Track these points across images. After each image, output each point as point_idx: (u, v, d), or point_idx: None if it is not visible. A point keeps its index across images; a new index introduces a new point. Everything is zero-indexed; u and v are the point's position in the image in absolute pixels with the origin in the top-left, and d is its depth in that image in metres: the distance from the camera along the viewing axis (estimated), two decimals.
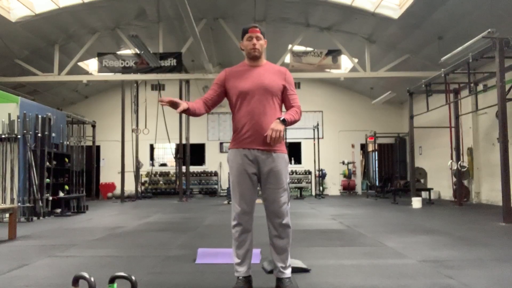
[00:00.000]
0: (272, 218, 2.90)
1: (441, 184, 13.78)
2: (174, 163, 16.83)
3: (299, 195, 15.21)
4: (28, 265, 3.89)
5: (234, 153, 2.92)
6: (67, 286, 2.96)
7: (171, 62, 12.46)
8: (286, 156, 2.96)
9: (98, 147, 16.93)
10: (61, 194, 9.50)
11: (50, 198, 8.88)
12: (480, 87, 10.51)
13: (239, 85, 2.91)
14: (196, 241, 5.16)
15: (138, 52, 11.52)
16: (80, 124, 13.50)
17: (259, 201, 2.93)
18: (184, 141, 14.98)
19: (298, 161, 17.94)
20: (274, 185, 2.87)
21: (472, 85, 9.16)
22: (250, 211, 2.90)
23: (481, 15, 9.06)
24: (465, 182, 12.07)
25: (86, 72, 14.92)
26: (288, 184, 2.95)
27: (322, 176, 16.68)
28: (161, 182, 17.71)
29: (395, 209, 10.00)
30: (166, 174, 17.80)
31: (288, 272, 2.91)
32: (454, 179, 11.55)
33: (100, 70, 12.75)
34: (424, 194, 12.87)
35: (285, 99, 2.99)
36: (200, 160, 17.95)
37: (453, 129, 11.17)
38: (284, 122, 2.80)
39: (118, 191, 15.76)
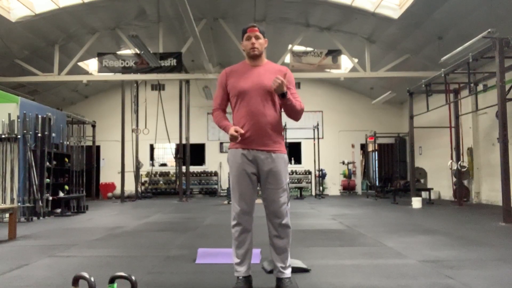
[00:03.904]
0: (271, 218, 2.90)
1: (441, 184, 13.78)
2: (174, 163, 16.83)
3: (299, 195, 15.20)
4: (28, 265, 3.89)
5: (233, 153, 2.92)
6: (67, 286, 2.96)
7: (171, 62, 12.47)
8: (286, 156, 2.96)
9: (98, 147, 16.94)
10: (61, 194, 9.50)
11: (50, 198, 8.87)
12: (480, 87, 10.51)
13: (239, 84, 2.90)
14: (196, 241, 5.16)
15: (138, 52, 11.52)
16: (80, 124, 13.50)
17: (259, 201, 2.93)
18: (184, 141, 14.98)
19: (298, 161, 17.94)
20: (273, 185, 2.87)
21: (472, 85, 9.16)
22: (250, 211, 2.91)
23: (481, 15, 9.06)
24: (465, 182, 12.07)
25: (86, 72, 14.92)
26: (288, 184, 2.95)
27: (322, 176, 16.68)
28: (161, 182, 17.71)
29: (395, 209, 10.00)
30: (166, 174, 17.80)
31: (288, 272, 2.91)
32: (454, 179, 11.55)
33: (100, 70, 12.75)
34: (424, 194, 12.87)
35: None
36: (200, 160, 17.96)
37: (453, 129, 11.17)
38: (285, 95, 2.79)
39: (118, 191, 15.76)
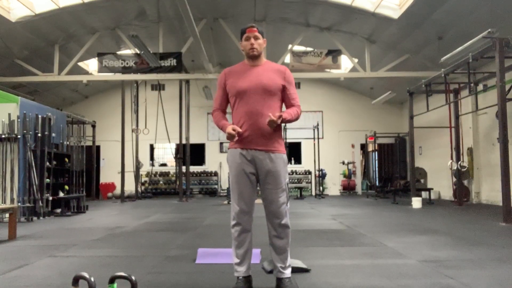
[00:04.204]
0: (271, 218, 2.90)
1: (441, 184, 13.78)
2: (174, 163, 16.83)
3: (299, 195, 15.20)
4: (28, 265, 3.89)
5: (232, 153, 2.93)
6: (67, 286, 2.96)
7: (171, 62, 12.47)
8: (285, 156, 2.96)
9: (98, 147, 16.94)
10: (61, 194, 9.50)
11: (50, 198, 8.88)
12: (480, 87, 10.51)
13: (238, 84, 2.91)
14: (196, 241, 5.16)
15: (138, 52, 11.52)
16: (80, 124, 13.51)
17: (259, 201, 2.93)
18: (184, 141, 14.98)
19: (298, 161, 17.94)
20: (272, 185, 2.87)
21: (472, 85, 9.16)
22: (249, 210, 2.91)
23: (481, 15, 9.06)
24: (465, 182, 12.07)
25: (86, 72, 14.92)
26: (287, 184, 2.94)
27: (322, 176, 16.68)
28: (161, 182, 17.71)
29: (395, 209, 10.00)
30: (166, 174, 17.80)
31: (288, 272, 2.91)
32: (454, 179, 11.55)
33: (100, 70, 12.75)
34: (424, 194, 12.87)
35: (285, 98, 2.99)
36: (200, 160, 17.96)
37: (453, 129, 11.17)
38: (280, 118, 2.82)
39: (118, 191, 15.76)
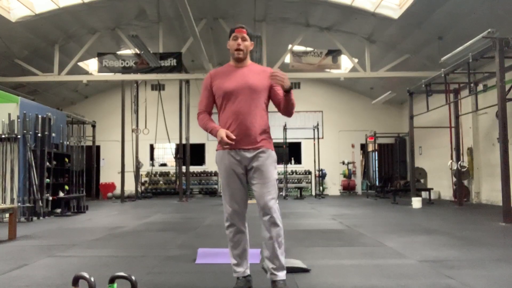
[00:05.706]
0: (261, 216, 2.86)
1: (441, 184, 13.78)
2: (174, 163, 16.83)
3: (299, 195, 15.20)
4: (28, 265, 3.89)
5: (221, 155, 2.93)
6: (67, 286, 2.96)
7: (171, 62, 12.46)
8: (273, 153, 2.94)
9: (98, 147, 16.94)
10: (61, 194, 9.50)
11: (50, 198, 8.87)
12: (480, 87, 10.51)
13: (224, 85, 2.90)
14: (196, 241, 5.16)
15: (138, 52, 11.52)
16: (80, 124, 13.51)
17: (253, 201, 2.92)
18: (184, 141, 14.98)
19: (298, 161, 17.94)
20: (260, 179, 2.84)
21: (472, 85, 9.15)
22: (242, 211, 2.90)
23: (481, 15, 9.07)
24: (465, 182, 12.07)
25: (86, 72, 14.93)
26: (277, 180, 2.93)
27: (322, 176, 16.68)
28: (161, 182, 17.71)
29: (395, 209, 10.00)
30: (166, 174, 17.80)
31: (281, 274, 2.79)
32: (454, 179, 11.55)
33: (100, 70, 12.75)
34: (424, 194, 12.87)
35: (274, 96, 2.96)
36: (200, 160, 17.96)
37: (453, 129, 11.17)
38: (289, 90, 2.81)
39: (118, 191, 15.76)
